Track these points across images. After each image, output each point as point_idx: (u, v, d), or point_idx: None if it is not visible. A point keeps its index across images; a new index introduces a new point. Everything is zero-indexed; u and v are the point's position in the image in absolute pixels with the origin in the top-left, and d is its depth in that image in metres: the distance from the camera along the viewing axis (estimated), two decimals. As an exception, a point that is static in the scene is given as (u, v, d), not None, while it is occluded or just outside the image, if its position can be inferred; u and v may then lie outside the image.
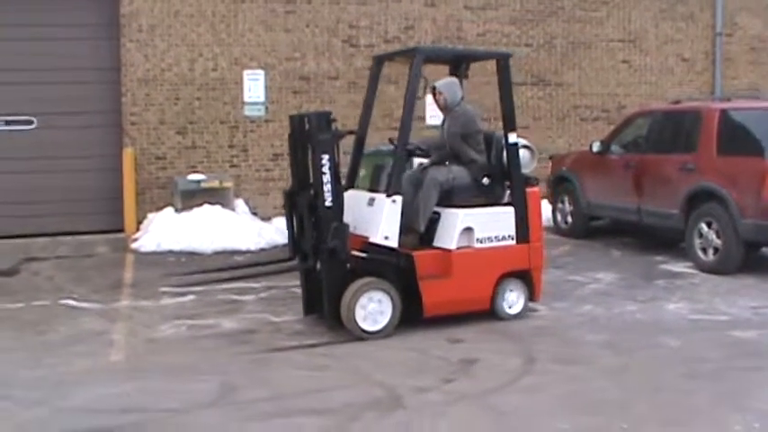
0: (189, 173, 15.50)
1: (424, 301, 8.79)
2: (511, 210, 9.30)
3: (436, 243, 9.12)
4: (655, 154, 13.30)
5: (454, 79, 9.89)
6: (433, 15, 17.15)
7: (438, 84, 9.74)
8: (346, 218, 8.64)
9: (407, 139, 8.96)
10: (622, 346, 8.37)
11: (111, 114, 15.91)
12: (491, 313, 9.23)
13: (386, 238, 8.64)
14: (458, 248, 8.99)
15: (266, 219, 15.47)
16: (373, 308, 8.58)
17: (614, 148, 14.32)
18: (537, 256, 9.46)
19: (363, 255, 8.62)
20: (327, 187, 8.46)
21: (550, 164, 16.13)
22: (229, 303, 10.20)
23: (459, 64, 10.31)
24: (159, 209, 15.23)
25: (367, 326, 8.56)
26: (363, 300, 8.53)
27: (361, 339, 8.47)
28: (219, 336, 8.81)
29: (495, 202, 9.38)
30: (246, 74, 16.25)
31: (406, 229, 8.91)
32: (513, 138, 9.34)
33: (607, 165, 14.26)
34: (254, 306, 10.08)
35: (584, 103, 18.25)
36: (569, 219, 15.18)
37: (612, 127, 15.64)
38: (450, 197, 9.22)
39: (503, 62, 9.57)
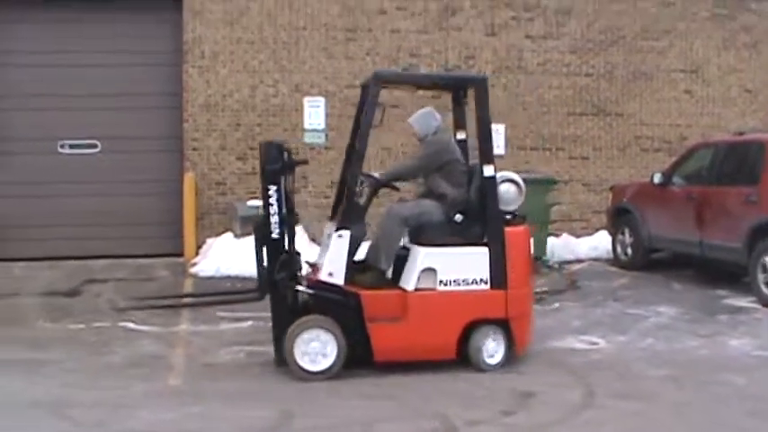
0: (248, 199, 15.58)
1: (374, 346, 8.25)
2: (484, 250, 8.42)
3: (401, 283, 8.47)
4: (717, 186, 13.12)
5: (427, 109, 9.24)
6: (494, 45, 17.12)
7: (410, 119, 9.30)
8: (320, 251, 8.55)
9: (359, 169, 8.49)
10: (685, 382, 8.24)
11: (173, 140, 16.09)
12: (462, 362, 8.45)
13: (330, 274, 8.24)
14: (416, 290, 8.31)
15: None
16: (314, 347, 8.16)
17: (676, 179, 14.15)
18: (518, 304, 8.48)
19: (309, 291, 8.34)
20: (274, 219, 8.28)
21: (610, 195, 15.98)
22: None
23: (425, 89, 10.18)
24: (218, 234, 15.34)
25: (307, 365, 8.16)
26: (304, 337, 8.15)
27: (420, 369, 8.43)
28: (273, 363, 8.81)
29: (472, 242, 8.48)
30: (307, 101, 16.34)
31: (369, 266, 8.60)
32: (488, 171, 8.48)
33: (668, 197, 14.10)
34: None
35: (646, 133, 18.06)
36: (629, 251, 15.00)
37: (674, 158, 15.46)
38: (419, 234, 8.60)
39: (479, 87, 8.81)
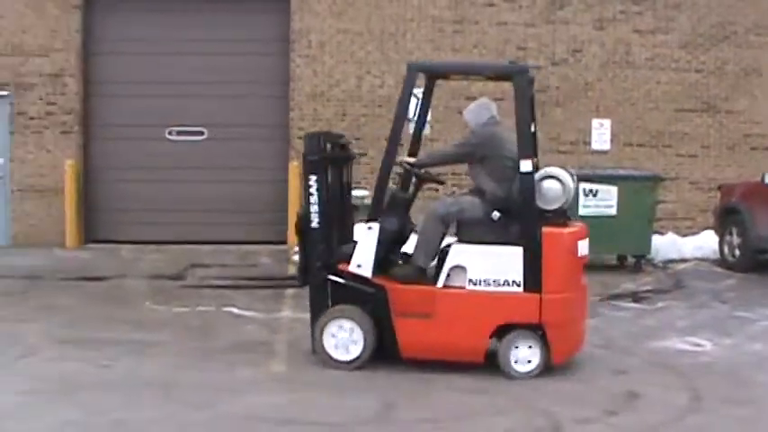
0: (353, 189, 15.63)
1: (399, 341, 8.13)
2: (519, 251, 7.94)
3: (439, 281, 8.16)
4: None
5: (482, 100, 8.69)
6: (602, 39, 16.88)
7: (465, 110, 8.82)
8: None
9: (392, 159, 8.35)
10: (796, 390, 8.04)
11: (280, 128, 16.26)
12: (492, 367, 8.07)
13: (358, 266, 8.18)
14: (445, 287, 8.10)
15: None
16: (343, 337, 8.18)
17: (788, 180, 13.82)
18: (555, 309, 7.93)
19: (339, 280, 8.29)
20: (314, 209, 8.28)
21: (719, 194, 15.64)
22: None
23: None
24: (321, 222, 15.44)
25: (335, 353, 8.21)
26: (332, 326, 8.22)
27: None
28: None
29: (509, 241, 7.99)
30: (415, 92, 16.28)
31: (408, 261, 8.41)
32: (525, 166, 7.95)
33: (780, 197, 13.78)
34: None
35: (756, 131, 17.61)
36: (737, 251, 14.65)
37: (786, 158, 15.10)
38: (460, 231, 8.31)
39: (519, 79, 8.28)
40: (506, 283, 7.94)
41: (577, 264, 8.25)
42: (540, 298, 7.88)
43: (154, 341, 9.35)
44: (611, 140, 16.68)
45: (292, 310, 10.87)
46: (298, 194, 15.64)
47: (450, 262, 8.08)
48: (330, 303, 8.33)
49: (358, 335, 8.15)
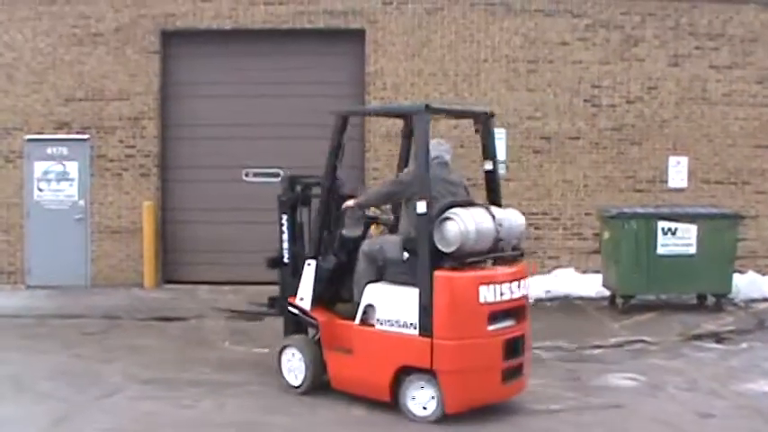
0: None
1: (329, 372, 8.56)
2: (415, 292, 7.79)
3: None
4: None
5: (434, 141, 8.50)
6: (678, 75, 16.67)
7: None
8: None
9: (326, 200, 8.81)
10: None
11: (354, 170, 16.25)
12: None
13: (301, 299, 8.74)
14: (360, 324, 8.21)
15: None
16: (292, 364, 8.79)
17: None
18: (444, 356, 7.63)
19: (293, 312, 8.88)
20: (285, 245, 9.06)
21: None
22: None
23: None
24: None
25: (290, 378, 8.84)
26: (287, 353, 8.91)
27: (602, 407, 8.26)
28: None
29: (413, 283, 7.85)
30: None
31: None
32: (421, 207, 7.79)
33: None
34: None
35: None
36: None
37: None
38: (383, 270, 8.32)
39: (414, 118, 8.53)
40: (405, 324, 7.84)
41: (478, 310, 7.72)
42: (432, 342, 7.65)
43: (234, 382, 9.37)
44: (689, 178, 16.44)
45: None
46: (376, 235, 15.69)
47: (365, 300, 8.19)
48: (291, 332, 9.09)
49: (302, 363, 8.72)
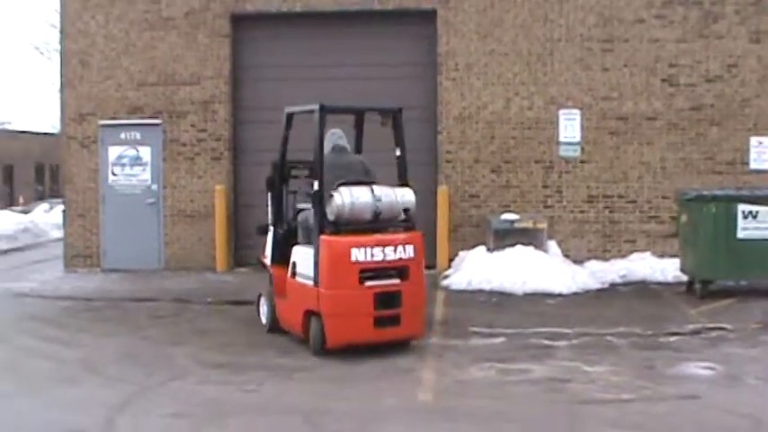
0: (502, 212, 15.43)
1: (277, 313, 10.70)
2: (311, 251, 9.83)
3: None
4: None
5: (330, 131, 10.77)
6: (759, 52, 16.09)
7: None
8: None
9: (281, 184, 10.95)
10: None
11: (427, 152, 16.14)
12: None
13: (266, 257, 11.05)
14: (290, 277, 10.24)
15: (579, 262, 15.09)
16: (263, 309, 11.05)
17: None
18: (325, 302, 9.51)
19: (263, 266, 11.15)
20: (270, 217, 11.00)
21: None
22: (541, 348, 9.94)
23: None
24: (471, 247, 15.25)
25: (263, 320, 11.00)
26: (261, 300, 11.16)
27: (677, 397, 7.99)
28: (530, 382, 8.56)
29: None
30: (562, 113, 16.01)
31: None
32: (315, 185, 9.83)
33: None
34: (565, 353, 9.73)
35: None
36: None
37: None
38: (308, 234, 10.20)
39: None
40: (308, 277, 9.80)
41: (351, 267, 9.48)
42: (318, 291, 9.55)
43: (299, 367, 9.29)
44: (774, 159, 15.95)
45: (441, 336, 10.67)
46: (446, 218, 15.54)
47: (292, 258, 10.28)
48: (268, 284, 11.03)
49: (266, 307, 10.93)
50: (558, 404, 7.82)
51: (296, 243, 10.44)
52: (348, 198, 9.65)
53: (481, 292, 13.61)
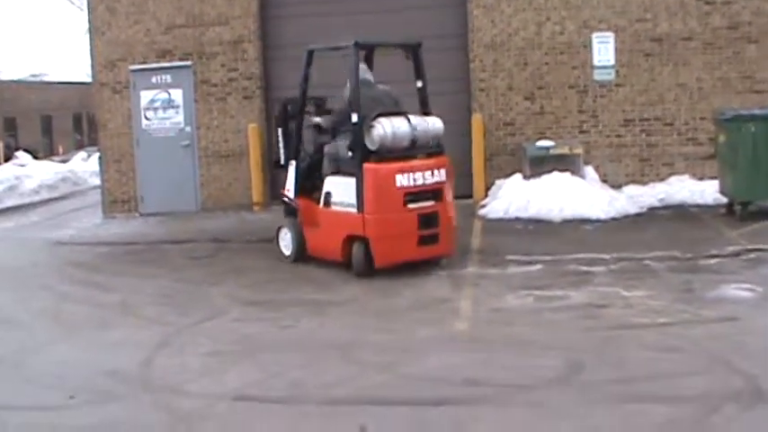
0: (537, 139, 15.26)
1: (307, 243, 11.22)
2: (353, 181, 10.32)
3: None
4: None
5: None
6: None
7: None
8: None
9: (301, 120, 11.31)
10: None
11: (460, 81, 15.97)
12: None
13: (288, 191, 11.45)
14: (323, 207, 10.80)
15: (616, 187, 14.89)
16: (286, 240, 11.48)
17: None
18: (371, 226, 10.14)
19: (284, 201, 11.56)
20: (281, 152, 11.59)
21: None
22: (578, 275, 9.84)
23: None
24: (507, 175, 15.10)
25: (285, 251, 11.49)
26: (282, 233, 11.61)
27: (716, 320, 7.88)
28: (567, 309, 8.49)
29: (353, 174, 10.39)
30: (595, 37, 15.70)
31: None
32: (354, 118, 10.28)
33: None
34: (603, 278, 9.64)
35: None
36: None
37: None
38: (338, 166, 10.76)
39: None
40: (350, 205, 10.36)
41: (396, 192, 10.16)
42: (363, 217, 10.12)
43: (336, 301, 9.32)
44: None
45: (478, 265, 10.62)
46: (481, 147, 15.41)
47: (325, 188, 10.81)
48: (286, 215, 11.59)
49: (290, 239, 11.33)
50: (595, 330, 7.75)
51: (318, 175, 11.05)
52: (389, 128, 10.23)
53: (518, 219, 13.52)
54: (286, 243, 11.46)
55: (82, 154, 31.43)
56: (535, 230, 12.79)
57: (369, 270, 10.18)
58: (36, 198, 21.75)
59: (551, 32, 15.73)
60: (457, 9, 15.99)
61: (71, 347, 8.18)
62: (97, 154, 21.40)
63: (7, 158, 33.88)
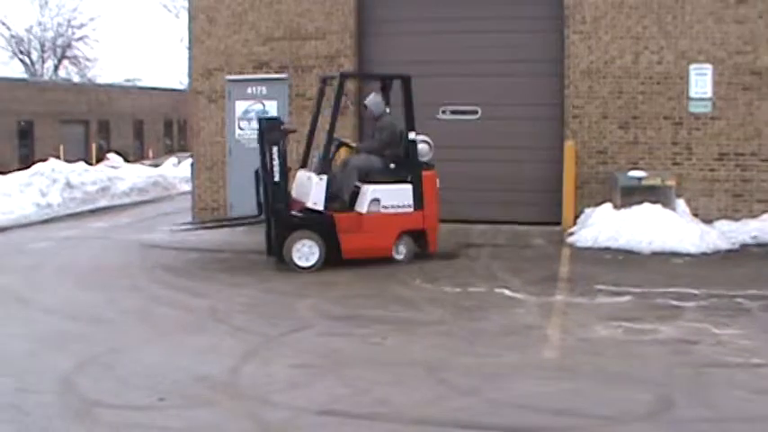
0: (629, 169, 15.10)
1: (343, 248, 12.22)
2: (409, 186, 12.48)
3: (356, 208, 12.45)
4: None
5: (378, 96, 13.24)
6: None
7: (366, 101, 13.36)
8: (296, 190, 12.80)
9: (332, 140, 12.57)
10: None
11: (553, 107, 15.91)
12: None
13: (314, 203, 12.13)
14: (367, 212, 12.32)
15: (707, 221, 14.64)
16: (305, 251, 12.06)
17: None
18: (429, 220, 12.59)
19: (301, 215, 12.18)
20: (276, 169, 12.05)
21: None
22: (668, 309, 9.70)
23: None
24: (597, 204, 14.97)
25: (301, 263, 12.03)
26: (299, 245, 12.04)
27: None
28: (657, 343, 8.37)
29: (401, 181, 12.49)
30: (693, 68, 15.51)
31: (335, 198, 12.34)
32: (411, 135, 12.62)
33: None
34: (694, 314, 9.48)
35: None
36: None
37: None
38: (367, 177, 12.48)
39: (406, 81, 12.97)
40: (404, 206, 12.46)
41: (438, 193, 12.81)
42: (422, 213, 12.50)
43: (424, 320, 9.32)
44: None
45: (566, 294, 10.54)
46: (572, 174, 15.30)
47: (370, 195, 12.37)
48: (291, 230, 12.10)
49: (315, 249, 12.08)
50: (685, 366, 7.63)
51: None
52: (426, 145, 12.98)
53: (607, 249, 13.39)
54: (303, 254, 12.07)
55: (173, 159, 31.97)
56: (624, 261, 12.67)
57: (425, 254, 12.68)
58: (127, 200, 22.18)
59: (648, 62, 15.58)
60: (554, 34, 15.93)
61: (161, 350, 8.32)
62: (188, 160, 21.78)
63: (99, 160, 34.66)
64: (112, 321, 9.49)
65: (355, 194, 12.58)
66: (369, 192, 12.39)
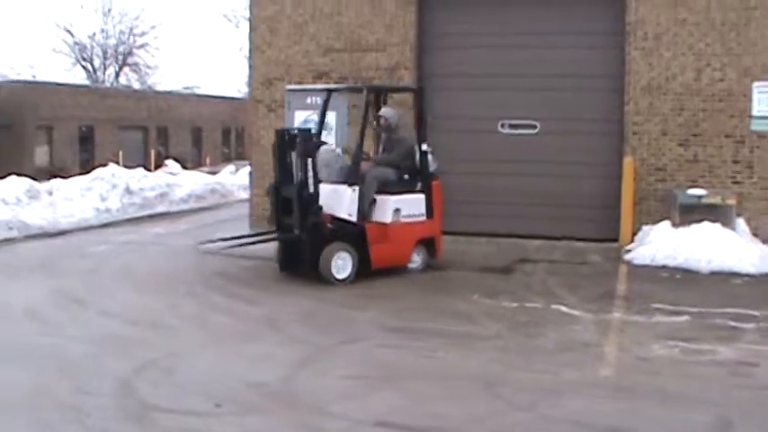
0: (689, 187, 14.95)
1: (372, 258, 12.21)
2: (423, 196, 12.82)
3: (377, 219, 12.51)
4: None
5: (393, 109, 13.46)
6: None
7: (383, 111, 13.33)
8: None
9: (361, 152, 12.61)
10: None
11: (613, 123, 15.80)
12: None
13: (349, 215, 12.13)
14: (392, 221, 12.49)
15: (767, 242, 14.47)
16: (342, 263, 11.95)
17: None
18: (437, 228, 13.09)
19: (333, 227, 12.06)
20: (311, 180, 11.87)
21: None
22: (726, 329, 9.57)
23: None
24: (655, 221, 14.82)
25: (339, 275, 11.91)
26: (336, 258, 11.90)
27: None
28: (715, 364, 8.28)
29: (415, 191, 12.79)
30: (756, 86, 15.33)
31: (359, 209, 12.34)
32: (424, 147, 12.91)
33: None
34: (753, 336, 9.34)
35: None
36: None
37: None
38: (384, 188, 12.58)
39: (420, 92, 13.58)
40: (420, 215, 12.81)
41: (441, 200, 13.16)
42: (433, 222, 12.94)
43: (480, 335, 9.30)
44: None
45: (623, 311, 10.46)
46: (631, 191, 15.18)
47: (393, 206, 12.54)
48: (326, 242, 11.90)
49: (348, 260, 12.00)
50: (744, 388, 7.54)
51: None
52: (433, 155, 13.18)
53: (665, 267, 13.23)
54: (340, 267, 11.97)
55: (230, 167, 32.17)
56: (682, 280, 12.53)
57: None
58: (184, 206, 22.34)
59: (710, 79, 15.43)
60: (614, 50, 15.82)
61: (217, 356, 8.41)
62: (245, 168, 21.93)
63: (157, 166, 35.06)
64: (170, 326, 9.62)
65: (372, 205, 12.62)
66: (390, 202, 12.53)
